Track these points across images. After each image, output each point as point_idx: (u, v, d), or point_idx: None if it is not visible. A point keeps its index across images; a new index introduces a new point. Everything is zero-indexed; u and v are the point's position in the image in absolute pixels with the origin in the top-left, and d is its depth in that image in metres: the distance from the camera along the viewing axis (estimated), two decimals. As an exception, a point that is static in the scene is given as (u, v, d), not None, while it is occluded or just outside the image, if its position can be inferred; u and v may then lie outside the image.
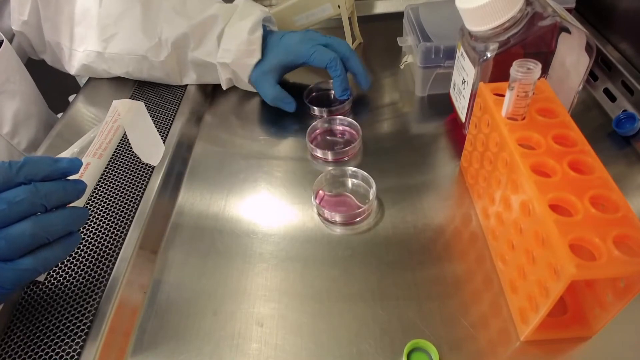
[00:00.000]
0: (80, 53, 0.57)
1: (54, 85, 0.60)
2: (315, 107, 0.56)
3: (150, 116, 0.53)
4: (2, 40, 0.53)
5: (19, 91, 0.54)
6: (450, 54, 0.51)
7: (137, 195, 0.45)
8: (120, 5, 0.54)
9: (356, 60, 0.54)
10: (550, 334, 0.34)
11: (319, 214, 0.44)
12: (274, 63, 0.55)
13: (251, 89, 0.58)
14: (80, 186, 0.33)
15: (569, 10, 0.51)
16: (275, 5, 0.62)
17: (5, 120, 0.52)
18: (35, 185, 0.30)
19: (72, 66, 0.58)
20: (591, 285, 0.34)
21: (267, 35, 0.56)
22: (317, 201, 0.44)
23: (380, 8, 0.74)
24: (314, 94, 0.60)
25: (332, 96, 0.60)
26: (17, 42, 0.59)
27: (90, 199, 0.44)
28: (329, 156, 0.50)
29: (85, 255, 0.39)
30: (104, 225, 0.42)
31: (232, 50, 0.54)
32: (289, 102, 0.55)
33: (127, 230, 0.42)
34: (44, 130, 0.58)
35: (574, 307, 0.35)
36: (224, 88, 0.59)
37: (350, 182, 0.47)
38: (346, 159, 0.50)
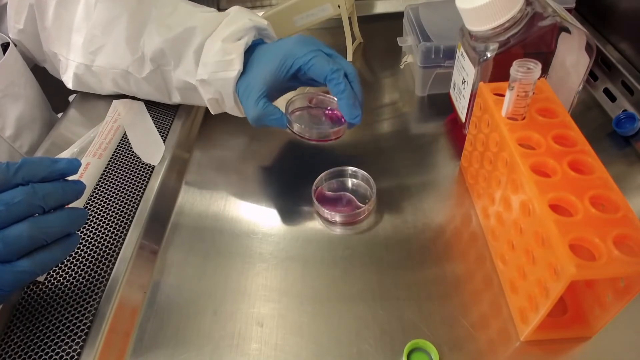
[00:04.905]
0: (73, 64, 0.52)
1: (55, 85, 0.60)
2: (296, 126, 0.46)
3: (150, 116, 0.54)
4: (9, 43, 0.53)
5: (23, 95, 0.54)
6: (450, 54, 0.51)
7: (137, 195, 0.45)
8: (107, 13, 0.49)
9: (358, 87, 0.45)
10: (550, 334, 0.34)
11: (319, 214, 0.44)
12: (262, 73, 0.45)
13: (241, 114, 0.49)
14: (79, 187, 0.33)
15: (569, 10, 0.51)
16: (275, 6, 0.62)
17: (9, 123, 0.52)
18: (33, 186, 0.30)
19: (69, 77, 0.54)
20: (591, 285, 0.34)
21: (257, 46, 0.48)
22: (317, 201, 0.44)
23: (380, 8, 0.74)
24: (297, 112, 0.50)
25: (325, 116, 0.50)
26: (20, 48, 0.58)
27: (90, 199, 0.44)
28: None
29: (85, 255, 0.39)
30: (104, 225, 0.42)
31: (209, 63, 0.46)
32: (277, 117, 0.45)
33: (127, 230, 0.42)
34: (47, 134, 0.57)
35: (574, 307, 0.35)
36: (212, 112, 0.51)
37: (350, 182, 0.47)
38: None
